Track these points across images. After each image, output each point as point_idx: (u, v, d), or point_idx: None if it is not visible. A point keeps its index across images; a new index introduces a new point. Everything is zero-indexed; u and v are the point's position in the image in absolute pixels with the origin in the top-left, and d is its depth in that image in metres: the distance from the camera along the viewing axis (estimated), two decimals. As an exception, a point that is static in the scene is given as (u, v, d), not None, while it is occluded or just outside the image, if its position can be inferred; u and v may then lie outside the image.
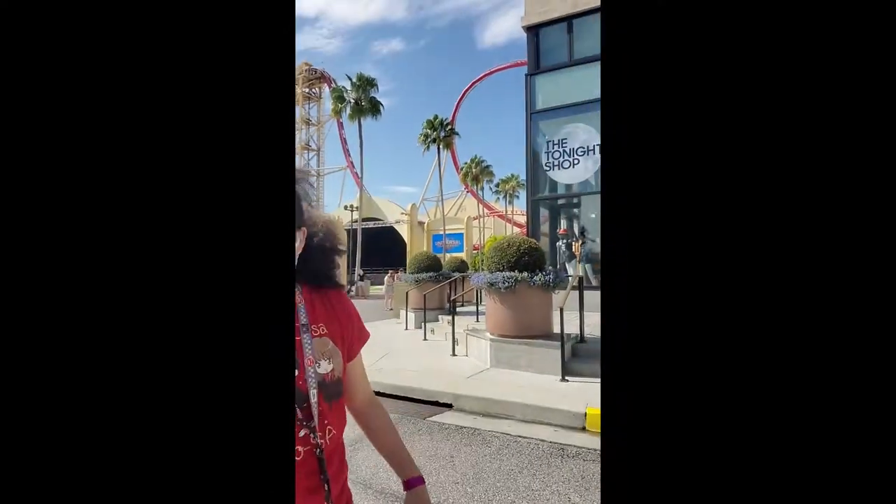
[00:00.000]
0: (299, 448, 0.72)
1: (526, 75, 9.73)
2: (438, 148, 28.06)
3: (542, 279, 4.88)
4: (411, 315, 8.57)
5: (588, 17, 9.09)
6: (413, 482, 0.86)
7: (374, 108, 23.49)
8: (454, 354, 5.80)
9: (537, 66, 9.67)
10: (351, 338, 0.84)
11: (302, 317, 0.77)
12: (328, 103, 32.41)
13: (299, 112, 52.17)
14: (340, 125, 42.48)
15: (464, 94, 44.20)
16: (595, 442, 3.23)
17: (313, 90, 53.72)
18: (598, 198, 8.89)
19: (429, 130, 27.37)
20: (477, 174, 35.96)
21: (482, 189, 38.22)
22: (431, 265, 8.90)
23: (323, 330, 0.80)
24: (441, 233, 32.78)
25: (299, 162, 45.22)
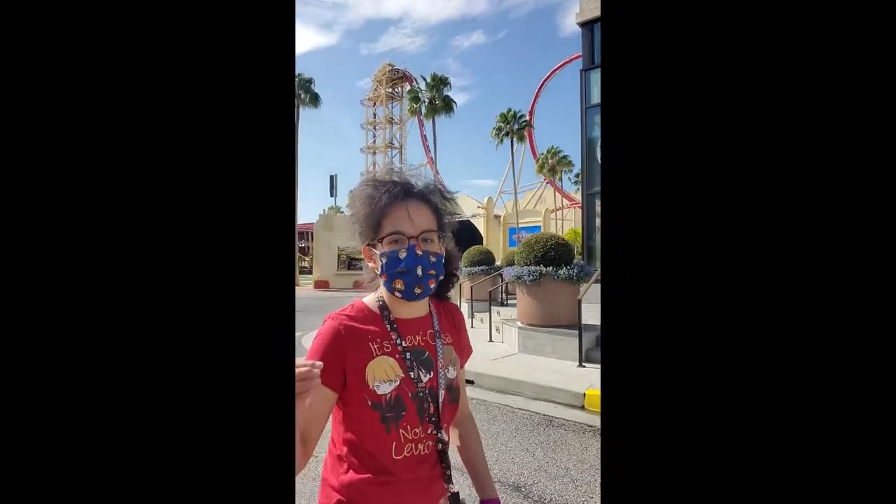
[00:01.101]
0: (428, 442, 0.79)
1: (581, 71, 9.84)
2: (511, 141, 28.22)
3: (567, 273, 5.26)
4: (464, 306, 9.22)
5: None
6: (492, 502, 0.90)
7: (448, 106, 24.47)
8: (491, 340, 6.37)
9: (592, 61, 9.73)
10: (461, 351, 0.91)
11: (435, 325, 0.86)
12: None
13: (382, 112, 54.92)
14: (421, 123, 44.08)
15: (543, 84, 43.44)
16: (584, 417, 3.65)
17: (396, 90, 56.11)
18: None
19: (502, 124, 27.64)
20: (554, 165, 35.40)
21: (560, 180, 37.54)
22: (483, 259, 9.48)
23: (448, 339, 0.88)
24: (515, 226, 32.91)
25: (383, 161, 47.25)
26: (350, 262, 22.30)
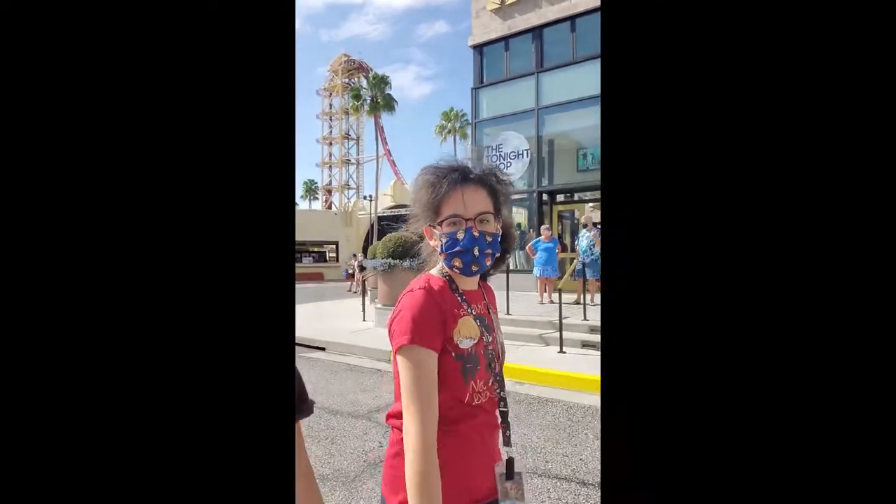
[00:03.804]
0: (487, 393, 0.89)
1: (472, 89, 11.32)
2: (455, 139, 29.70)
3: (409, 264, 6.77)
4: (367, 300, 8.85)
5: (518, 37, 10.53)
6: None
7: (388, 104, 25.67)
8: (364, 321, 7.82)
9: (481, 81, 11.23)
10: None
11: (485, 298, 0.97)
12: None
13: (339, 102, 55.14)
14: (377, 117, 44.73)
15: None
16: (383, 366, 5.15)
17: (352, 80, 56.37)
18: (523, 196, 10.38)
19: (444, 122, 29.07)
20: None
21: (506, 174, 39.31)
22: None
23: (493, 310, 0.99)
24: (462, 218, 34.35)
25: (339, 152, 47.40)
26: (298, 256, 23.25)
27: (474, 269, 0.88)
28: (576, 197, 10.45)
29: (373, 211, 27.20)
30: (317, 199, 48.83)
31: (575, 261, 6.82)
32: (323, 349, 6.14)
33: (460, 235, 0.87)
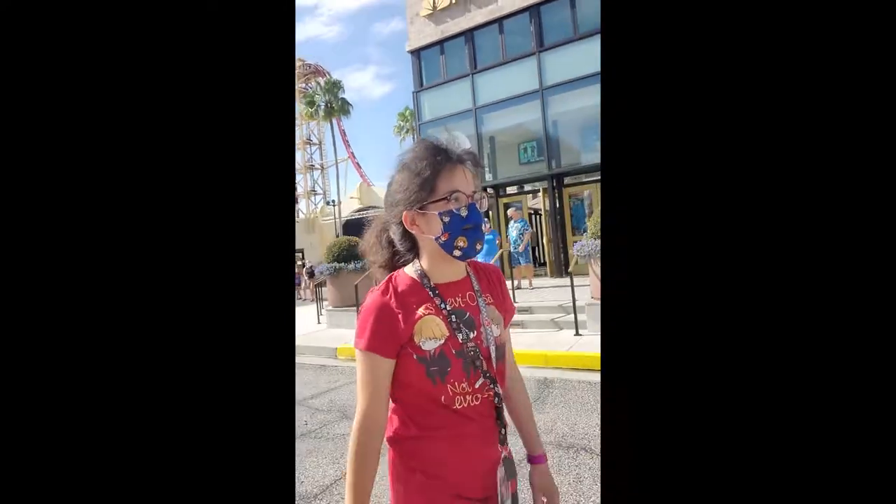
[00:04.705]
0: (479, 395, 0.84)
1: (413, 93, 11.76)
2: (413, 137, 30.05)
3: (355, 266, 7.20)
4: (321, 306, 8.96)
5: (452, 41, 11.02)
6: (538, 459, 0.94)
7: (343, 108, 25.89)
8: (319, 323, 8.21)
9: (421, 84, 11.68)
10: (505, 310, 0.94)
11: (475, 285, 0.89)
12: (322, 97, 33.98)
13: (298, 108, 54.56)
14: (339, 119, 44.38)
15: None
16: (335, 362, 5.57)
17: (309, 85, 55.77)
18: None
19: (402, 122, 29.38)
20: (460, 156, 37.56)
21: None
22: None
23: (489, 300, 0.91)
24: (429, 215, 34.57)
25: (301, 157, 47.07)
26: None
27: (478, 247, 0.83)
28: (526, 188, 11.01)
29: (337, 216, 27.29)
30: (282, 207, 48.07)
31: (500, 251, 7.37)
32: (275, 352, 6.52)
33: (464, 213, 0.81)
